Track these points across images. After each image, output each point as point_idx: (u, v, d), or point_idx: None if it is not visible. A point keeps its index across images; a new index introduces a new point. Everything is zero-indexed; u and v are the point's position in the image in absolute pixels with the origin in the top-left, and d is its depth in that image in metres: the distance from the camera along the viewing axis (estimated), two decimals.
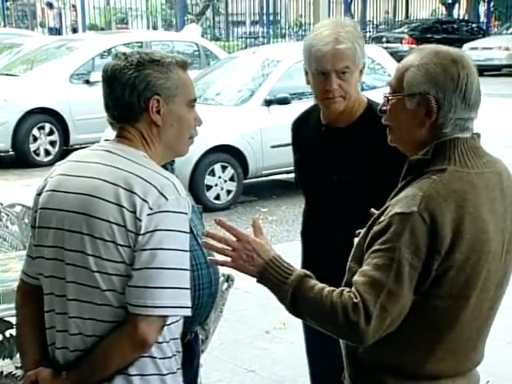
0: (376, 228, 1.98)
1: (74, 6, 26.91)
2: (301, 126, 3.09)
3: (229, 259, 2.03)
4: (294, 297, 1.98)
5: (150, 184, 2.02)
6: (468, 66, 2.01)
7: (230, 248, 2.03)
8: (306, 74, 2.86)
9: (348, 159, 2.83)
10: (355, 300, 1.91)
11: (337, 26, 2.78)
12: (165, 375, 2.10)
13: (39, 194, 2.19)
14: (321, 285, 1.99)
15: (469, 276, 1.97)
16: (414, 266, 1.91)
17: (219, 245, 2.05)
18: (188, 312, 2.07)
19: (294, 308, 2.00)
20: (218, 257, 2.10)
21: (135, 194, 2.01)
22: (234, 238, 2.04)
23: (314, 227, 3.00)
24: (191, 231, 2.40)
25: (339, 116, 2.85)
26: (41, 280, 2.19)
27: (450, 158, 2.00)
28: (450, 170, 1.98)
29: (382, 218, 1.98)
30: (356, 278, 1.95)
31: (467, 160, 2.01)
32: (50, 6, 27.36)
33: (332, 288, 1.97)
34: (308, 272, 2.03)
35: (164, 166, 2.25)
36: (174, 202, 2.03)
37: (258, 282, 2.03)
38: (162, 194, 2.01)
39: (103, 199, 2.02)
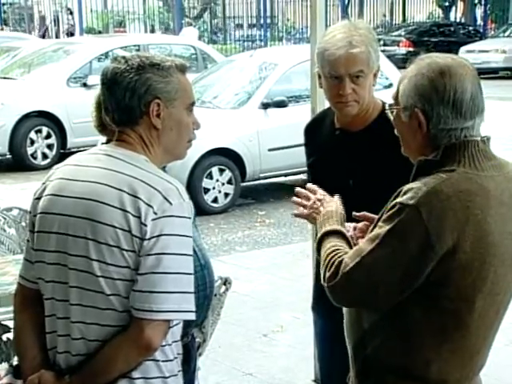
0: (383, 210, 2.05)
1: (69, 9, 26.86)
2: (314, 129, 3.06)
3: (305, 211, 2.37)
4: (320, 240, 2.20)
5: (154, 189, 2.03)
6: (458, 76, 2.00)
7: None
8: (319, 77, 2.84)
9: (363, 163, 2.80)
10: (338, 259, 2.03)
11: (350, 29, 2.75)
12: (167, 378, 2.11)
13: (38, 198, 2.18)
14: (340, 244, 2.13)
15: (475, 278, 1.97)
16: (398, 253, 1.95)
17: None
18: (192, 316, 2.08)
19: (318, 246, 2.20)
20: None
21: (139, 198, 2.01)
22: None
23: None
24: None
25: (353, 120, 2.82)
26: (40, 284, 2.18)
27: (460, 160, 2.00)
28: (459, 171, 1.98)
29: (391, 203, 2.02)
30: None
31: (477, 163, 2.01)
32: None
33: (345, 250, 2.09)
34: (340, 230, 2.20)
35: None
36: (178, 206, 2.04)
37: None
38: (166, 199, 2.02)
39: (107, 204, 2.02)
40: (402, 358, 2.05)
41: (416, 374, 2.05)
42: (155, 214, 2.00)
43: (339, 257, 2.05)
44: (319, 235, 2.21)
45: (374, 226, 2.07)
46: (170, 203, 2.02)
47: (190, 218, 2.07)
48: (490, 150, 2.07)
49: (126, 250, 2.01)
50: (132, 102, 2.11)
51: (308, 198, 2.38)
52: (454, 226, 1.93)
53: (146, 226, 1.99)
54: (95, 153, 2.19)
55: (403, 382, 2.07)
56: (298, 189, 2.43)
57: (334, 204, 2.31)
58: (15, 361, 2.32)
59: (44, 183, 2.20)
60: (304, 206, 2.37)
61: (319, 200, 2.34)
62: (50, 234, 2.13)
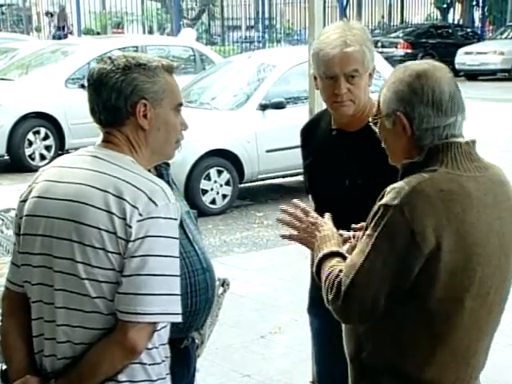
0: (369, 215, 2.05)
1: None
2: (311, 131, 3.06)
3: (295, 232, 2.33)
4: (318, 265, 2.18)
5: (140, 190, 2.01)
6: (434, 78, 2.05)
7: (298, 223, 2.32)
8: (315, 79, 2.84)
9: (359, 164, 2.81)
10: (337, 280, 2.03)
11: (344, 29, 2.76)
12: (154, 381, 2.09)
13: (24, 201, 2.16)
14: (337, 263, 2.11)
15: (461, 278, 1.99)
16: (389, 258, 1.96)
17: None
18: (178, 318, 2.06)
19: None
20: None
21: (125, 200, 1.99)
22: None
23: None
24: (187, 237, 2.39)
25: (350, 120, 2.83)
26: (27, 288, 2.16)
27: (443, 161, 2.03)
28: (440, 171, 2.01)
29: (375, 206, 2.03)
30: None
31: (459, 164, 2.03)
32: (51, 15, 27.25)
33: (340, 268, 2.06)
34: (338, 251, 2.17)
35: (159, 171, 2.24)
36: (164, 207, 2.01)
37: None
38: (151, 200, 2.00)
39: (93, 206, 2.00)
40: (395, 360, 2.06)
41: (410, 376, 2.05)
42: (140, 215, 1.98)
43: (336, 276, 2.04)
44: (317, 259, 2.18)
45: (365, 231, 2.06)
46: (156, 204, 1.99)
47: (176, 219, 2.05)
48: (475, 152, 2.09)
49: (111, 252, 1.98)
50: (118, 103, 2.09)
51: (299, 219, 2.32)
52: (436, 224, 1.95)
53: (130, 227, 1.97)
54: (81, 154, 2.17)
55: None
56: (283, 207, 2.37)
57: (329, 227, 2.28)
58: (4, 365, 2.29)
59: (30, 186, 2.18)
60: (295, 228, 2.33)
61: (313, 224, 2.29)
62: (35, 237, 2.10)
